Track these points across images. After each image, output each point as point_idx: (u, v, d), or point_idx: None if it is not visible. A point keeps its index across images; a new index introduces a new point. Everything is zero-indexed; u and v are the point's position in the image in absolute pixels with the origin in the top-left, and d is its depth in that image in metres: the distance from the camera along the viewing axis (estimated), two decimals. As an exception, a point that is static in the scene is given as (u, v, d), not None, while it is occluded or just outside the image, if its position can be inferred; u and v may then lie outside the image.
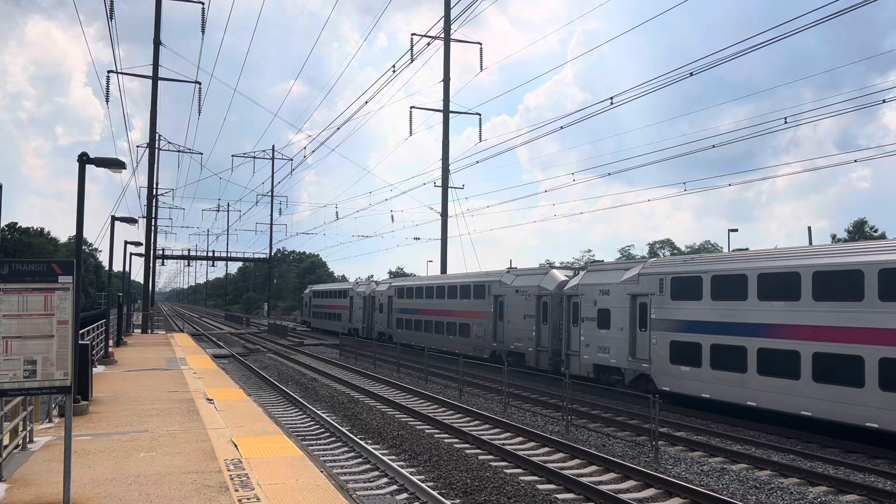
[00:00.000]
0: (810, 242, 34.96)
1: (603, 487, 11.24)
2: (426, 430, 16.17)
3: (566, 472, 12.02)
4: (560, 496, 10.91)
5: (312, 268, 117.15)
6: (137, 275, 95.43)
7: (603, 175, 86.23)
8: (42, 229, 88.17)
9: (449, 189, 44.28)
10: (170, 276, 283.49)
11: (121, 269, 39.76)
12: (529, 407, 19.94)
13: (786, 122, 31.93)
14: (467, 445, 14.67)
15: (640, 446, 14.81)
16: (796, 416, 15.68)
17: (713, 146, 28.61)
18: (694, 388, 18.45)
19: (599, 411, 19.02)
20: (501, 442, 14.98)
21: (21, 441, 10.00)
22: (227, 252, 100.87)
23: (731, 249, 25.69)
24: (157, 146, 41.24)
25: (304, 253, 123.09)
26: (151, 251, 51.48)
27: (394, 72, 33.60)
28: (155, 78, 39.57)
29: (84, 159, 12.11)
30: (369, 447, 13.85)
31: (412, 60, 37.81)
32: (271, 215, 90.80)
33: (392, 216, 59.58)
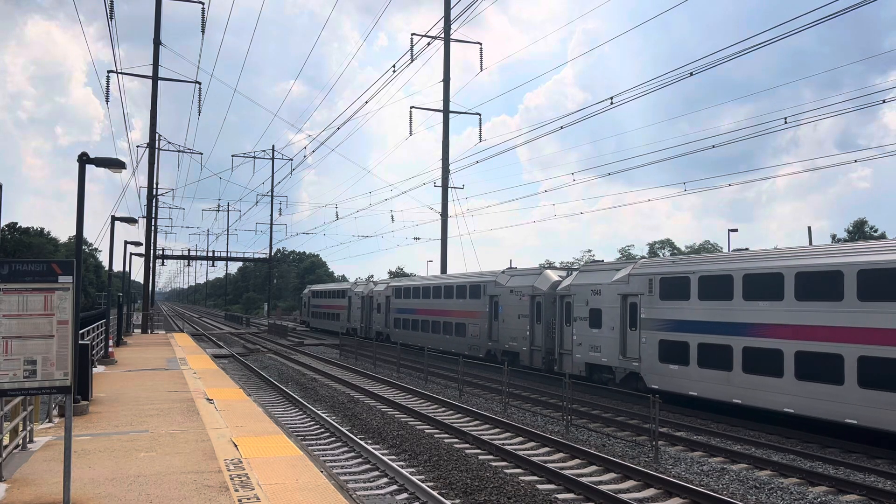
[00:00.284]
0: (810, 242, 34.98)
1: (603, 487, 11.25)
2: (426, 430, 16.18)
3: (566, 472, 12.02)
4: (560, 496, 10.91)
5: (312, 268, 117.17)
6: (137, 275, 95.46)
7: (603, 175, 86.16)
8: (42, 229, 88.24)
9: (449, 189, 44.34)
10: (170, 276, 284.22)
11: (121, 269, 39.83)
12: (529, 407, 19.94)
13: (786, 122, 31.89)
14: (467, 445, 14.68)
15: (640, 446, 14.82)
16: (779, 413, 15.90)
17: (713, 146, 28.65)
18: (682, 386, 18.67)
19: (599, 411, 19.03)
20: (501, 442, 14.99)
21: (21, 441, 10.00)
22: (227, 252, 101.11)
23: (730, 249, 25.72)
24: (157, 146, 41.26)
25: (304, 253, 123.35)
26: (151, 251, 51.48)
27: (394, 72, 33.64)
28: (155, 78, 39.60)
29: (84, 159, 12.12)
30: (369, 447, 13.85)
31: (412, 60, 37.89)
32: (271, 215, 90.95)
33: (392, 216, 59.58)
